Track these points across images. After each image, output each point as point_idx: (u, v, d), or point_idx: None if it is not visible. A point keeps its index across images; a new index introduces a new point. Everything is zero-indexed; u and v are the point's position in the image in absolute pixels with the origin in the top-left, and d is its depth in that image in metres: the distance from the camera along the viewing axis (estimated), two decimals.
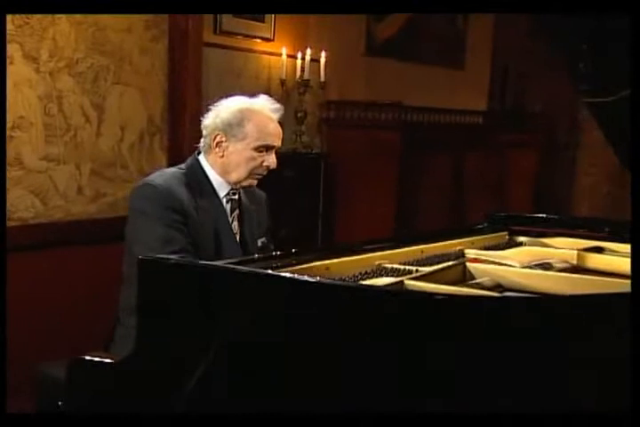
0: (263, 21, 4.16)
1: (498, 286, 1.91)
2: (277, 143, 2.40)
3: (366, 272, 1.98)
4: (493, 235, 2.61)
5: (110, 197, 3.54)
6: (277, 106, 2.43)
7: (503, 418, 1.36)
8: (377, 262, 2.09)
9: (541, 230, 2.63)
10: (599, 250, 2.43)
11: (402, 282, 1.74)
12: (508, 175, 5.17)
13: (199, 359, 1.64)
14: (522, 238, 2.63)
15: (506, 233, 2.67)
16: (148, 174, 3.63)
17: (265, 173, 2.42)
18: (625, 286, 1.78)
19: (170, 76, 3.72)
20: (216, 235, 2.34)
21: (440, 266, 2.01)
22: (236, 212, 2.46)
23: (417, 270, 1.99)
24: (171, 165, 3.76)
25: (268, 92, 4.19)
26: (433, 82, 5.25)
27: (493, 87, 5.80)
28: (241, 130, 2.34)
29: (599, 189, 5.54)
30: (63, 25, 3.24)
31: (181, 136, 3.79)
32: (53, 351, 2.98)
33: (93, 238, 3.43)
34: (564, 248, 2.46)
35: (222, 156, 2.38)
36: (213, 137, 2.37)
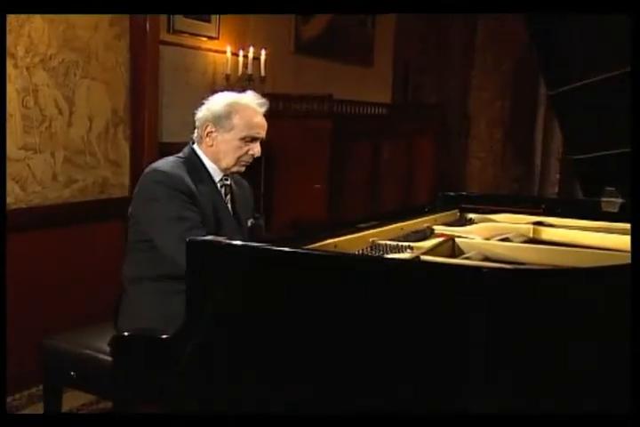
0: (209, 22, 4.05)
1: (486, 259, 1.93)
2: (262, 134, 2.38)
3: (369, 248, 1.98)
4: (448, 212, 2.65)
5: (81, 182, 3.39)
6: (263, 101, 2.40)
7: (503, 418, 1.37)
8: (370, 239, 2.08)
9: (488, 208, 2.66)
10: (541, 224, 2.49)
11: (418, 257, 1.74)
12: (414, 159, 5.26)
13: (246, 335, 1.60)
14: (471, 215, 2.67)
15: (457, 211, 2.71)
16: (113, 161, 3.54)
17: (251, 160, 2.40)
18: (603, 255, 1.84)
19: (131, 70, 3.57)
20: (216, 216, 2.32)
21: (434, 242, 2.01)
22: (229, 195, 2.44)
23: (410, 246, 2.00)
24: (133, 152, 3.65)
25: (214, 86, 4.15)
26: (349, 77, 5.27)
27: (396, 82, 5.85)
28: (229, 122, 2.32)
29: (485, 171, 5.72)
30: (37, 22, 3.06)
31: (141, 126, 3.66)
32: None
33: (68, 221, 3.32)
34: (509, 223, 2.52)
35: (212, 145, 2.35)
36: (204, 128, 2.35)
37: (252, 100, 2.37)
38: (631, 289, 1.29)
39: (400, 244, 2.02)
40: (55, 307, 3.24)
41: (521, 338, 1.38)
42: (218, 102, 2.35)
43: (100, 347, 2.32)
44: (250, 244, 1.62)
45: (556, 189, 5.49)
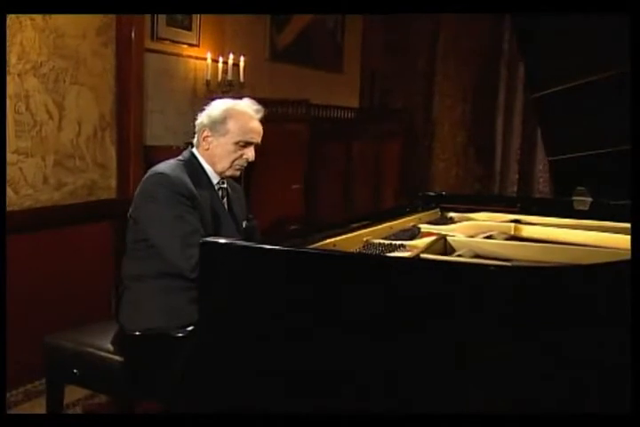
0: (190, 30, 4.03)
1: (476, 256, 1.96)
2: (256, 140, 2.37)
3: (365, 247, 2.00)
4: (430, 212, 2.68)
5: (71, 185, 3.35)
6: (259, 107, 2.39)
7: (503, 418, 1.35)
8: (364, 238, 2.10)
9: (466, 207, 2.69)
10: (518, 221, 2.52)
11: (418, 255, 1.77)
12: (382, 160, 5.29)
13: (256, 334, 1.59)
14: (451, 214, 2.70)
15: (437, 210, 2.74)
16: (100, 164, 3.51)
17: (245, 164, 2.39)
18: (588, 252, 1.88)
19: (117, 77, 3.54)
20: (214, 217, 2.30)
21: (427, 240, 2.04)
22: (226, 198, 2.43)
23: (402, 244, 2.02)
24: (119, 155, 3.62)
25: (195, 92, 4.14)
26: (321, 83, 5.29)
27: (364, 88, 5.88)
28: (223, 126, 2.31)
29: (449, 171, 5.78)
30: (29, 31, 3.02)
31: (127, 130, 3.64)
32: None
33: (59, 223, 3.29)
34: (487, 221, 2.56)
35: (208, 149, 2.35)
36: (201, 132, 2.35)
37: (247, 106, 2.36)
38: (631, 288, 1.30)
39: (393, 242, 2.05)
40: (48, 306, 3.21)
41: (523, 336, 1.38)
42: (215, 108, 2.35)
43: (101, 345, 2.31)
44: (263, 245, 1.60)
45: (515, 189, 5.58)
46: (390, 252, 1.93)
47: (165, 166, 2.28)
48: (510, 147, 5.59)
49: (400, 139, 5.64)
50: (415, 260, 1.67)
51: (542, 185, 5.53)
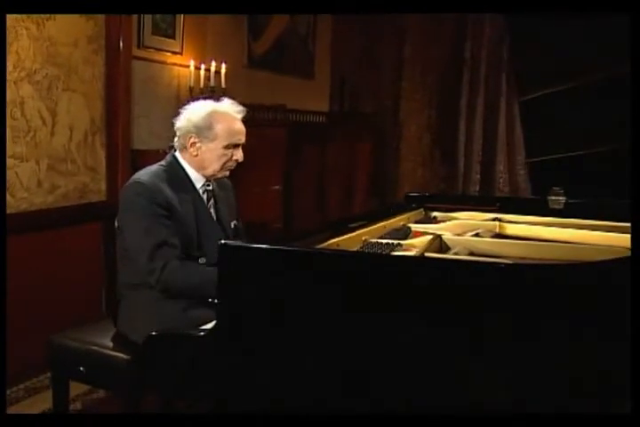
0: (174, 38, 4.02)
1: (470, 254, 2.01)
2: (243, 140, 2.32)
3: (364, 246, 2.03)
4: (416, 211, 2.72)
5: (63, 188, 3.32)
6: (241, 108, 2.33)
7: (504, 418, 1.35)
8: (363, 238, 2.13)
9: (448, 206, 2.74)
10: (498, 220, 2.58)
11: (423, 254, 1.81)
12: (354, 162, 5.35)
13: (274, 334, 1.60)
14: (435, 213, 2.75)
15: (422, 210, 2.78)
16: (91, 168, 3.48)
17: (235, 165, 2.35)
18: (575, 249, 1.94)
19: (107, 83, 3.51)
20: (197, 222, 2.25)
21: (423, 239, 2.08)
22: (212, 200, 2.38)
23: (399, 243, 2.06)
24: (108, 159, 3.60)
25: (178, 98, 4.12)
26: (294, 88, 5.31)
27: (334, 93, 5.92)
28: (211, 132, 2.23)
29: (416, 172, 5.86)
30: (24, 40, 2.99)
31: (116, 135, 3.62)
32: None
33: (53, 225, 3.26)
34: (469, 220, 2.61)
35: (197, 155, 2.27)
36: (187, 138, 2.27)
37: (229, 108, 2.29)
38: (632, 287, 1.31)
39: (390, 241, 2.09)
40: (45, 305, 3.18)
41: (526, 334, 1.38)
42: (197, 112, 2.26)
43: (105, 343, 2.29)
44: (276, 247, 1.59)
45: (477, 188, 5.68)
46: (391, 251, 1.97)
47: (144, 174, 2.22)
48: (472, 148, 5.69)
49: (370, 141, 5.71)
50: (435, 259, 1.70)
51: (502, 184, 5.65)
